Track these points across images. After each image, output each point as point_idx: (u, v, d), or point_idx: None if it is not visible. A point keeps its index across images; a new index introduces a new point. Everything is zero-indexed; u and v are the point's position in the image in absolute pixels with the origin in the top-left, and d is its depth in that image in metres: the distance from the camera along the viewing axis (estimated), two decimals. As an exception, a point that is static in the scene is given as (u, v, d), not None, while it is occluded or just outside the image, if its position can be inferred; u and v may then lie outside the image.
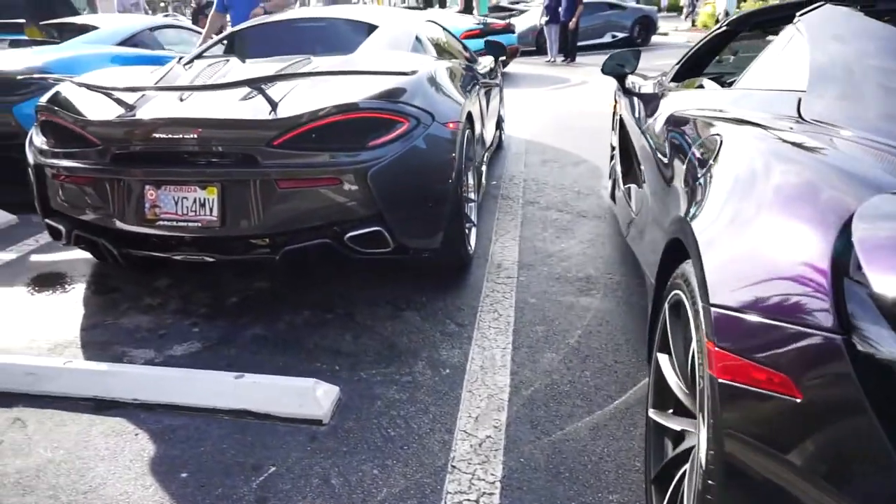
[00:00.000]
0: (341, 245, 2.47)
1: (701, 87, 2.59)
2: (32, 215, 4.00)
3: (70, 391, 2.13)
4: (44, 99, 2.74)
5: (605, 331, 2.56)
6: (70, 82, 2.65)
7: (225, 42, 3.77)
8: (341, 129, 2.39)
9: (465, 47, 4.79)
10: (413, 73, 2.50)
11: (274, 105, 2.40)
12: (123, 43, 5.22)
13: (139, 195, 2.43)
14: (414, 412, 2.07)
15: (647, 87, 3.13)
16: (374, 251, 2.53)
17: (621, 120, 3.51)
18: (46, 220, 2.70)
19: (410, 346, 2.47)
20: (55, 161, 2.57)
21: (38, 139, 2.70)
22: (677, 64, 3.14)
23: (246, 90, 2.52)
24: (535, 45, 13.73)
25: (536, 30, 13.51)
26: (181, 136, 2.35)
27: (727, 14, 11.43)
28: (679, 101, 2.37)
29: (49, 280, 3.14)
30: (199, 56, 3.41)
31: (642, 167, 2.59)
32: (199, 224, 2.40)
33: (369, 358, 2.39)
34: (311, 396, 2.03)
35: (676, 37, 16.79)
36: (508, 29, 11.45)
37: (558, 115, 7.37)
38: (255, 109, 2.41)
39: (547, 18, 12.69)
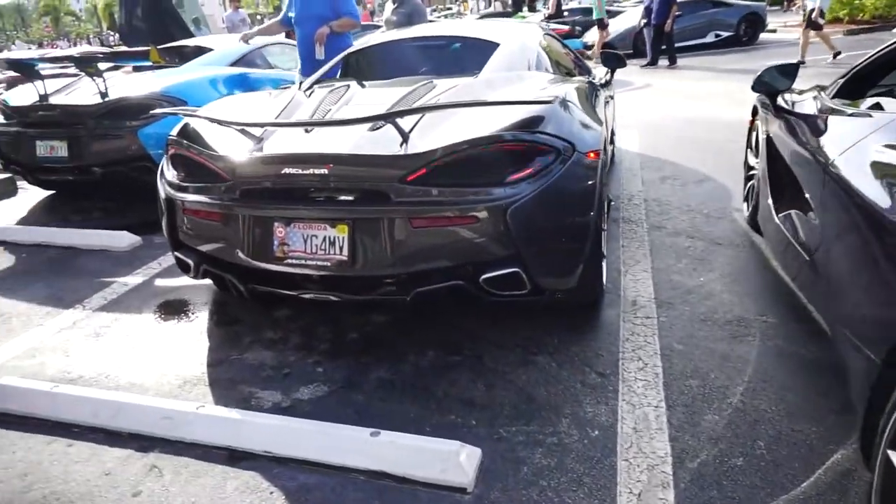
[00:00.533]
0: (475, 287, 2.29)
1: (878, 106, 2.22)
2: (155, 236, 4.14)
3: (204, 439, 2.07)
4: (174, 132, 2.74)
5: (771, 389, 2.24)
6: (197, 114, 2.63)
7: (342, 63, 3.71)
8: (478, 163, 2.22)
9: (577, 58, 4.53)
10: (552, 100, 2.28)
11: (405, 138, 2.26)
12: (236, 63, 5.34)
13: (268, 232, 2.36)
14: (566, 483, 1.86)
15: (808, 106, 2.77)
16: (510, 293, 2.34)
17: (770, 140, 3.14)
18: (176, 254, 2.69)
19: (550, 398, 2.25)
20: (185, 195, 2.55)
21: (168, 172, 2.70)
22: (843, 78, 2.76)
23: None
24: (632, 47, 13.18)
25: (635, 31, 12.95)
26: (311, 171, 2.25)
27: (822, 12, 10.49)
28: (872, 128, 2.02)
29: (174, 308, 3.16)
30: (319, 81, 3.34)
31: (817, 201, 2.25)
32: (329, 263, 2.29)
33: (507, 412, 2.19)
34: (455, 461, 1.85)
35: (786, 34, 15.64)
36: (572, 34, 11.16)
37: (657, 122, 6.93)
38: (386, 143, 2.28)
39: (646, 20, 12.14)
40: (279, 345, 2.73)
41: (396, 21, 5.54)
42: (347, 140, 2.34)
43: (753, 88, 3.12)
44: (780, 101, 3.03)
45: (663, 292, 3.00)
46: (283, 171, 2.29)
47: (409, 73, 3.33)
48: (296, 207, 2.31)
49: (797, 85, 3.09)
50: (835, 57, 10.34)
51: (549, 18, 15.24)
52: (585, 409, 2.18)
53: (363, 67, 3.57)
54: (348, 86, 3.02)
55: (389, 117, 2.25)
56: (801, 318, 2.70)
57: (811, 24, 10.45)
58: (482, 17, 18.71)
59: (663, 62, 12.11)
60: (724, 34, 13.95)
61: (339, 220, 2.27)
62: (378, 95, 2.87)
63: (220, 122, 2.49)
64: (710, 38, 13.93)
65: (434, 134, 2.29)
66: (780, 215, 2.78)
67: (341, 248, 2.27)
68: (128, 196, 4.95)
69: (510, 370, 2.44)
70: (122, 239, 4.07)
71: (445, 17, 24.43)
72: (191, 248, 2.64)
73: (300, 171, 2.27)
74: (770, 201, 2.97)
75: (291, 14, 4.85)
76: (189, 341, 2.81)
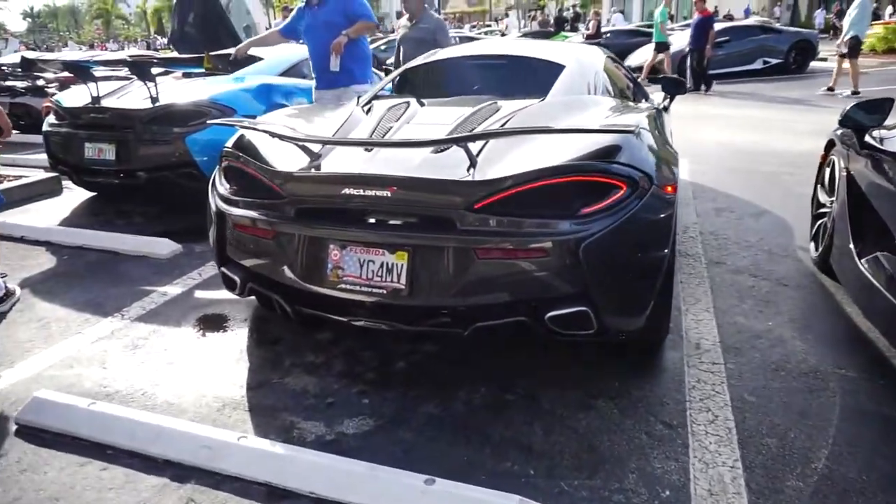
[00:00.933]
0: (539, 325, 2.14)
1: None
2: (196, 245, 4.08)
3: (243, 472, 1.95)
4: (229, 143, 2.66)
5: (859, 454, 2.04)
6: (254, 126, 2.54)
7: (398, 79, 3.61)
8: (550, 194, 2.08)
9: (636, 82, 4.38)
10: (633, 129, 2.13)
11: (473, 163, 2.14)
12: (285, 73, 5.30)
13: (322, 254, 2.25)
14: (638, 552, 1.69)
15: (900, 144, 2.58)
16: (575, 333, 2.18)
17: (852, 178, 2.94)
18: (222, 269, 2.59)
19: (614, 449, 2.08)
20: (236, 210, 2.45)
21: (221, 185, 2.61)
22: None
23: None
24: (677, 71, 12.96)
25: (681, 55, 12.73)
26: (372, 193, 2.14)
27: (858, 40, 10.20)
28: None
29: (213, 322, 3.07)
30: (377, 97, 3.25)
31: None
32: (385, 291, 2.17)
33: (567, 462, 2.03)
34: (515, 519, 1.70)
35: (835, 63, 15.23)
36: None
37: (705, 150, 6.71)
38: (452, 167, 2.15)
39: (690, 45, 11.95)
40: (322, 370, 2.60)
41: (418, 37, 5.15)
42: (411, 162, 2.22)
43: (841, 124, 2.93)
44: (867, 137, 2.83)
45: (728, 336, 2.81)
46: (342, 192, 2.18)
47: (468, 91, 3.21)
48: (353, 230, 2.19)
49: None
50: (853, 94, 9.94)
51: (587, 38, 15.10)
52: (653, 465, 2.01)
53: (420, 84, 3.47)
54: (408, 103, 2.91)
55: (460, 141, 2.13)
56: (886, 374, 2.49)
57: (848, 51, 10.15)
58: (523, 35, 18.63)
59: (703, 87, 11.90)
60: (773, 61, 13.66)
61: (398, 247, 2.14)
62: (440, 115, 2.75)
63: (278, 136, 2.39)
64: (757, 65, 13.64)
65: (504, 160, 2.16)
66: (865, 259, 2.58)
67: (399, 276, 2.15)
68: (170, 202, 4.93)
69: (569, 414, 2.27)
70: (163, 246, 4.02)
71: (486, 34, 24.42)
72: (238, 264, 2.54)
73: (361, 193, 2.15)
74: (851, 244, 2.77)
75: (300, 25, 4.59)
76: (228, 360, 2.71)
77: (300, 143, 2.41)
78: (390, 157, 2.28)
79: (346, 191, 2.18)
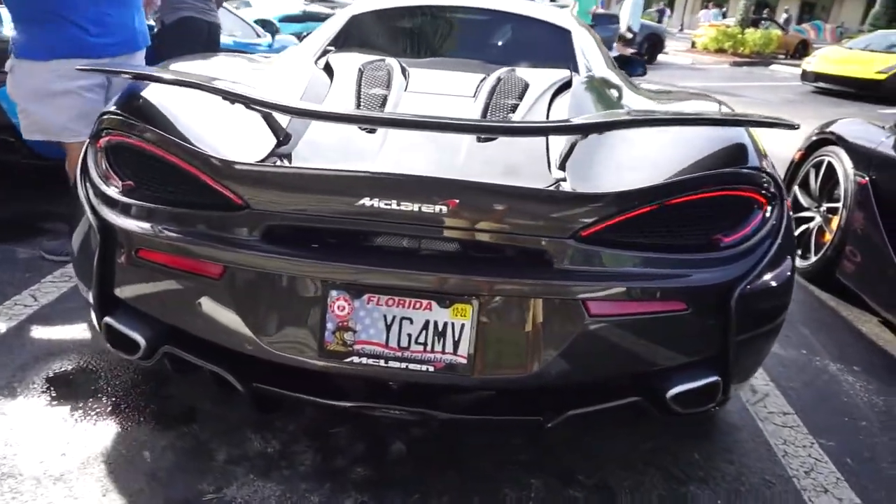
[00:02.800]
0: (657, 406, 1.45)
1: None
2: (18, 247, 2.80)
3: None
4: (113, 104, 1.58)
5: None
6: (162, 77, 1.50)
7: (343, 31, 2.58)
8: (685, 216, 1.39)
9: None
10: (795, 125, 1.49)
11: (562, 164, 1.37)
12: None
13: (316, 306, 1.33)
14: None
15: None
16: (693, 411, 1.52)
17: (875, 185, 2.62)
18: (108, 321, 1.52)
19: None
20: (139, 224, 1.42)
21: (101, 178, 1.53)
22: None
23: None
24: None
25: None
26: (413, 208, 1.27)
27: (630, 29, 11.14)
28: None
29: (73, 387, 1.95)
30: (326, 52, 2.25)
31: None
32: (432, 367, 1.32)
33: None
34: None
35: (675, 57, 16.29)
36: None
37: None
38: (532, 171, 1.37)
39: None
40: (282, 466, 1.68)
41: None
42: (458, 158, 1.39)
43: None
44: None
45: (773, 371, 2.36)
46: (357, 204, 1.28)
47: (449, 53, 2.39)
48: (376, 268, 1.31)
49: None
50: None
51: None
52: None
53: (377, 39, 2.51)
54: (384, 62, 2.00)
55: (576, 131, 1.32)
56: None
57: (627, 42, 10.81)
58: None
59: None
60: (629, 51, 14.17)
61: (457, 297, 1.30)
62: (445, 82, 1.92)
63: (233, 98, 1.37)
64: (613, 53, 14.04)
65: (600, 165, 1.42)
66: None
67: (457, 343, 1.31)
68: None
69: (667, 515, 1.63)
70: (-35, 252, 2.67)
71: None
72: (141, 314, 1.50)
73: (392, 207, 1.27)
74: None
75: None
76: (113, 461, 1.66)
77: (263, 111, 1.43)
78: (419, 147, 1.43)
79: (365, 202, 1.28)
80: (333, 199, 1.31)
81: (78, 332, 2.22)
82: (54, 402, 1.87)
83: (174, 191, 1.42)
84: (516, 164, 1.44)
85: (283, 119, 1.47)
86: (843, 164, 2.91)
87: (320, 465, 1.70)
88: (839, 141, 2.99)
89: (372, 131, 1.50)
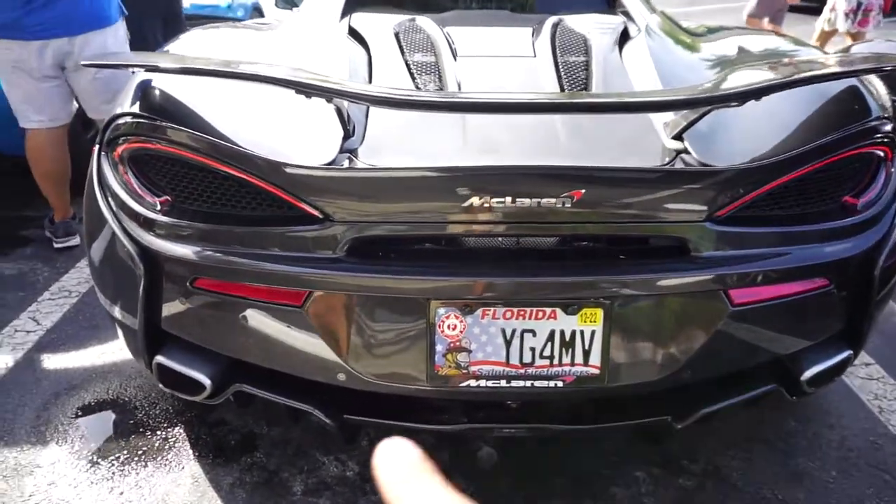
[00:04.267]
0: (791, 390, 1.32)
1: None
2: (2, 262, 2.51)
3: None
4: (128, 104, 1.31)
5: None
6: (191, 67, 1.24)
7: None
8: (820, 182, 1.22)
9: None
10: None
11: (679, 135, 1.19)
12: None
13: (421, 327, 1.14)
14: None
15: None
16: (820, 388, 1.40)
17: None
18: (159, 360, 1.30)
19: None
20: (190, 248, 1.19)
21: (129, 194, 1.27)
22: None
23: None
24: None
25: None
26: (532, 203, 1.07)
27: None
28: None
29: (107, 413, 1.74)
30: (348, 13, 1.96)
31: None
32: (562, 381, 1.16)
33: None
34: None
35: None
36: None
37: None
38: (646, 144, 1.18)
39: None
40: (368, 491, 1.52)
41: None
42: (562, 137, 1.19)
43: None
44: None
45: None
46: (466, 203, 1.07)
47: (474, 5, 2.13)
48: (490, 278, 1.12)
49: None
50: None
51: None
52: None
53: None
54: (414, 20, 1.75)
55: (721, 100, 1.11)
56: None
57: None
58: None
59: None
60: None
61: (585, 301, 1.13)
62: (488, 42, 1.68)
63: (286, 84, 1.12)
64: None
65: (722, 133, 1.24)
66: None
67: (587, 352, 1.15)
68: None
69: (780, 489, 1.53)
70: (-58, 275, 2.37)
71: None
72: (201, 350, 1.29)
73: (506, 204, 1.07)
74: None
75: None
76: (180, 505, 1.48)
77: (337, 104, 1.18)
78: (508, 131, 1.22)
79: (473, 202, 1.07)
80: (433, 201, 1.10)
81: (95, 356, 1.99)
82: (93, 445, 1.65)
83: (229, 205, 1.18)
84: (625, 139, 1.25)
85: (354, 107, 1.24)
86: None
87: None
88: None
89: (439, 103, 1.28)
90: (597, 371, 1.16)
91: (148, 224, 1.23)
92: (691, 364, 1.19)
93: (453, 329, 1.14)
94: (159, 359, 1.30)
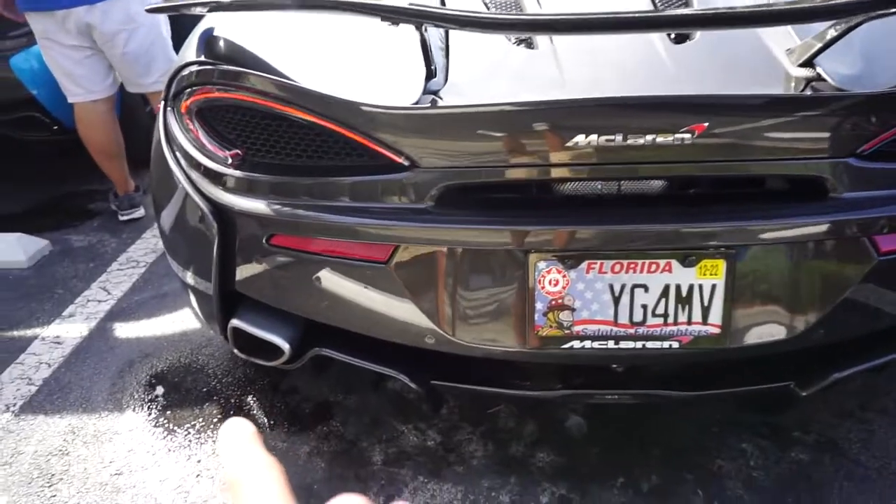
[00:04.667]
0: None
1: None
2: (72, 235, 2.53)
3: None
4: (192, 53, 1.23)
5: None
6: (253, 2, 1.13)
7: None
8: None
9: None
10: None
11: (809, 60, 1.02)
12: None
13: (519, 283, 1.03)
14: None
15: None
16: None
17: None
18: (234, 323, 1.24)
19: None
20: (273, 204, 1.10)
21: (199, 150, 1.19)
22: None
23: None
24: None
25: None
26: (647, 141, 0.94)
27: None
28: None
29: (181, 381, 1.72)
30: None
31: None
32: (677, 342, 1.04)
33: None
34: None
35: None
36: None
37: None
38: (769, 70, 1.03)
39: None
40: (451, 461, 1.44)
41: None
42: (669, 66, 1.05)
43: None
44: None
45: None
46: (569, 143, 0.95)
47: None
48: (596, 226, 1.00)
49: None
50: None
51: None
52: None
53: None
54: None
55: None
56: None
57: None
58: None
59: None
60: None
61: (705, 250, 1.00)
62: None
63: (370, 11, 1.00)
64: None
65: (853, 55, 1.07)
66: None
67: (707, 309, 1.02)
68: (4, 171, 3.12)
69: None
70: (17, 246, 2.39)
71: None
72: (278, 313, 1.22)
73: (616, 143, 0.94)
74: None
75: None
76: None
77: (421, 35, 1.05)
78: (608, 62, 1.08)
79: (578, 141, 0.95)
80: (531, 142, 0.99)
81: (166, 325, 1.96)
82: (168, 413, 1.63)
83: (308, 155, 1.09)
84: (742, 68, 1.09)
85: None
86: None
87: (495, 455, 1.46)
88: None
89: (530, 45, 1.15)
90: (717, 331, 1.03)
91: (221, 180, 1.15)
92: (826, 323, 1.05)
93: (555, 285, 1.02)
94: (235, 322, 1.23)
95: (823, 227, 0.99)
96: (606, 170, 0.99)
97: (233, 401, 1.66)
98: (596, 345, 1.05)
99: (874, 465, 1.39)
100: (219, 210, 1.14)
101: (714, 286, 1.01)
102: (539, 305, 1.04)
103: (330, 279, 1.12)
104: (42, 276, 2.30)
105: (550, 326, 1.05)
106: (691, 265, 1.00)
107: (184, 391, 1.70)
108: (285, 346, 1.20)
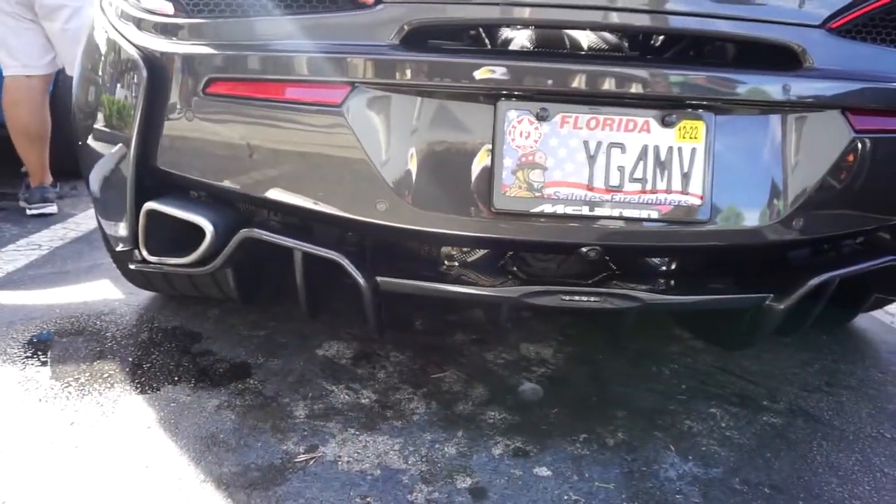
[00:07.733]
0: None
1: None
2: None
3: None
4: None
5: None
6: None
7: None
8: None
9: None
10: None
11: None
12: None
13: (485, 134, 0.93)
14: None
15: None
16: None
17: None
18: (149, 205, 1.05)
19: None
20: (210, 43, 0.98)
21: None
22: None
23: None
24: None
25: None
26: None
27: None
28: None
29: (70, 342, 1.44)
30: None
31: None
32: (656, 211, 0.94)
33: None
34: None
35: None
36: None
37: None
38: None
39: None
40: (388, 416, 1.23)
41: None
42: None
43: None
44: None
45: None
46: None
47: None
48: (573, 64, 0.93)
49: None
50: None
51: None
52: None
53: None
54: None
55: None
56: None
57: None
58: None
59: None
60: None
61: (683, 109, 0.93)
62: None
63: None
64: None
65: None
66: None
67: (687, 176, 0.94)
68: None
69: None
70: None
71: None
72: (203, 201, 1.05)
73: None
74: None
75: None
76: (150, 427, 1.17)
77: None
78: None
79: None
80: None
81: (65, 295, 1.70)
82: (48, 370, 1.35)
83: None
84: None
85: None
86: None
87: (439, 412, 1.26)
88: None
89: None
90: (698, 201, 0.95)
91: (147, 24, 1.03)
92: (805, 207, 0.98)
93: (526, 137, 0.93)
94: (151, 205, 1.05)
95: (797, 92, 0.96)
96: (583, 14, 0.94)
97: (130, 359, 1.40)
98: (570, 210, 0.93)
99: (850, 429, 1.29)
100: (147, 56, 1.00)
101: (694, 150, 0.94)
102: (508, 161, 0.93)
103: (272, 135, 0.98)
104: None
105: (519, 187, 0.93)
106: (670, 125, 0.94)
107: (71, 350, 1.43)
108: (208, 226, 1.02)
